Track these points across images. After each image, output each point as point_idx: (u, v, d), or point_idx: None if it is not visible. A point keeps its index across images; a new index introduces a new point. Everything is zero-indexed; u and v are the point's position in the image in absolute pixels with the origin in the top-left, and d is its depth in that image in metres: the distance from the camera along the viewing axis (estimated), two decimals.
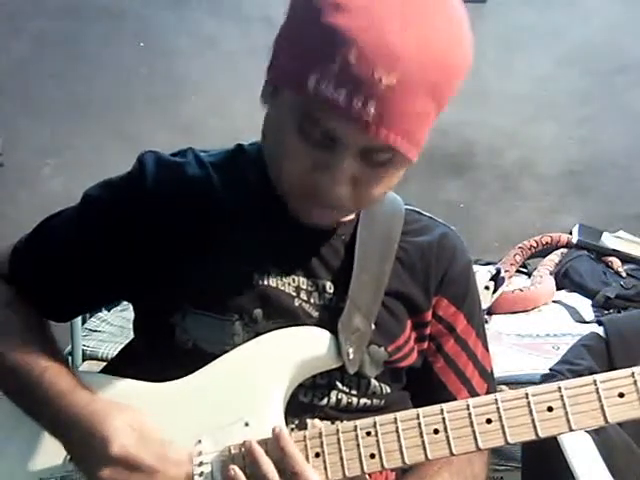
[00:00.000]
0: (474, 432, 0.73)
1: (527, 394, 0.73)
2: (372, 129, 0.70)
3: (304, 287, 0.88)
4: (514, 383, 1.94)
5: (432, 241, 0.94)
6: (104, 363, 1.08)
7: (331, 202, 0.77)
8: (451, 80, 0.74)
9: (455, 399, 0.90)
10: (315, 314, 0.88)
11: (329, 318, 0.87)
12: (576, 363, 1.44)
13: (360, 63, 0.67)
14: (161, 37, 2.93)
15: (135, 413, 0.80)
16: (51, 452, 0.82)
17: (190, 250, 0.87)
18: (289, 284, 0.88)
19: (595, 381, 0.72)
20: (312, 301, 0.88)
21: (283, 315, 0.87)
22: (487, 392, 0.97)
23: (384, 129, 0.70)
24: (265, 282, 0.87)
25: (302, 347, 0.84)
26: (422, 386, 0.94)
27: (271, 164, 0.83)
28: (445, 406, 0.75)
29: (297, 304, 0.87)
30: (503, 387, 1.92)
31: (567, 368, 1.48)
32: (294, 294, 0.88)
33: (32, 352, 0.84)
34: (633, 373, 0.72)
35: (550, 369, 1.55)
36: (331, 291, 0.89)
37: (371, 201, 0.81)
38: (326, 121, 0.72)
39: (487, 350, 0.99)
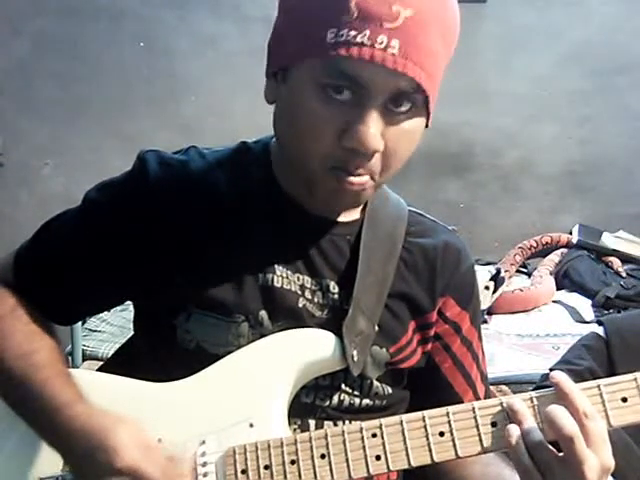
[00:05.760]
0: (480, 435, 0.73)
1: (532, 398, 0.74)
2: (399, 63, 0.72)
3: (308, 286, 0.88)
4: (514, 383, 1.94)
5: (437, 244, 0.94)
6: None
7: (368, 160, 0.77)
8: (454, 25, 0.78)
9: (461, 400, 0.90)
10: (318, 313, 0.88)
11: (333, 318, 0.87)
12: (576, 363, 1.43)
13: (377, 1, 0.70)
14: (161, 37, 2.93)
15: (136, 427, 0.78)
16: (51, 451, 0.81)
17: (194, 249, 0.87)
18: (294, 282, 0.87)
19: (599, 386, 0.73)
20: (316, 300, 0.88)
21: (287, 315, 0.86)
22: (485, 396, 0.98)
23: (410, 62, 0.72)
24: (270, 281, 0.87)
25: (307, 349, 0.84)
26: (428, 386, 0.94)
27: (294, 152, 0.81)
28: (451, 409, 0.75)
29: (301, 304, 0.87)
30: (503, 387, 1.92)
31: (567, 368, 1.47)
32: (299, 292, 0.87)
33: (34, 362, 0.83)
34: (636, 378, 0.73)
35: (550, 369, 1.55)
36: (335, 291, 0.88)
37: (397, 163, 0.81)
38: (352, 70, 0.73)
39: (484, 353, 1.00)
